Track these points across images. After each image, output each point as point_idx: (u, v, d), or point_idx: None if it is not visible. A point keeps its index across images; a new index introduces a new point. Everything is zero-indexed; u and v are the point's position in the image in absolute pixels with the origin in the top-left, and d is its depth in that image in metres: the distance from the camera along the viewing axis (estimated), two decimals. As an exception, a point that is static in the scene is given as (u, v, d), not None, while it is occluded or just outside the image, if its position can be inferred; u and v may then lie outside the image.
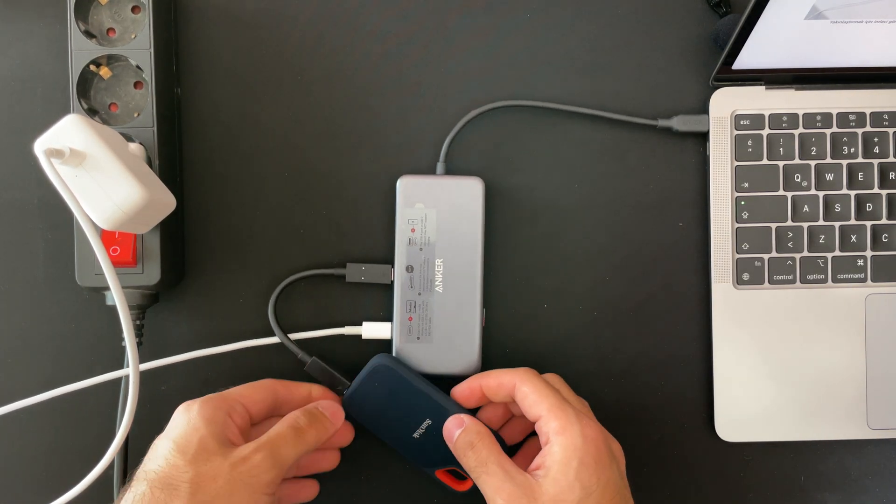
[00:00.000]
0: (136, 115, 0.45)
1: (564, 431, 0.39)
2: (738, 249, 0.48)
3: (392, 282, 0.46)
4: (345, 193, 0.49)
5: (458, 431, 0.42)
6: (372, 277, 0.47)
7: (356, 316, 0.48)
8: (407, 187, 0.46)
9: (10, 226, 0.48)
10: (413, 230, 0.46)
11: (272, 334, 0.46)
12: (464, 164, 0.49)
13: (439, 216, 0.46)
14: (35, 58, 0.48)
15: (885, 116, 0.48)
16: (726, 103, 0.48)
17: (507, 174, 0.49)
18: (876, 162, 0.48)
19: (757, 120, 0.48)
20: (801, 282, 0.48)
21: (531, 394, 0.40)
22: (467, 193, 0.46)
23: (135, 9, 0.46)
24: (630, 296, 0.49)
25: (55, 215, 0.48)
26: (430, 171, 0.48)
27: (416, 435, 0.44)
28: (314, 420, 0.41)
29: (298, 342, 0.46)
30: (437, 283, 0.46)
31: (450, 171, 0.48)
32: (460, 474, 0.45)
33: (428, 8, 0.49)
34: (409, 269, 0.46)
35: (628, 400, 0.49)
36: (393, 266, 0.46)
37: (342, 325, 0.47)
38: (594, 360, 0.49)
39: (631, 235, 0.49)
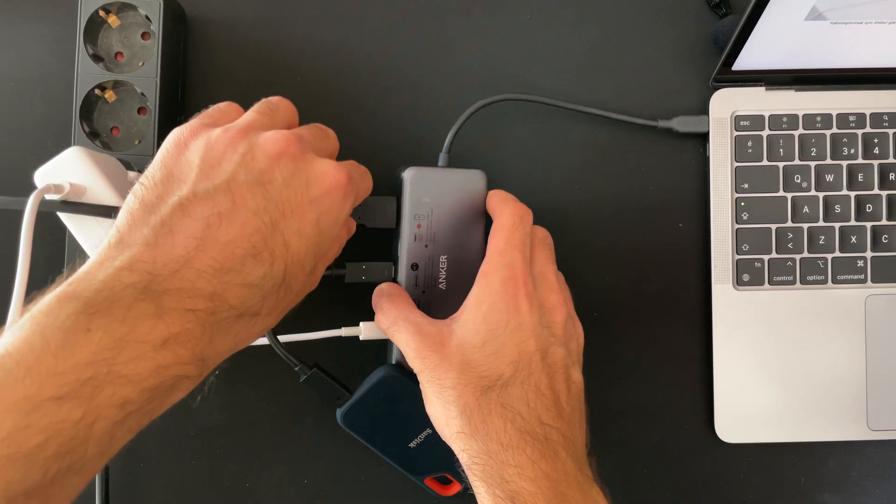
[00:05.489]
0: (137, 142, 0.44)
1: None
2: (738, 250, 0.48)
3: (395, 281, 0.45)
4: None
5: (373, 299, 0.41)
6: (373, 277, 0.44)
7: (355, 317, 0.47)
8: (415, 180, 0.43)
9: (9, 227, 0.48)
10: (419, 226, 0.44)
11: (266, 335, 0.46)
12: (463, 165, 0.48)
13: (444, 211, 0.44)
14: (35, 59, 0.48)
15: (885, 117, 0.48)
16: (726, 104, 0.48)
17: (507, 175, 0.49)
18: (876, 163, 0.48)
19: (757, 121, 0.48)
20: (801, 283, 0.48)
21: (492, 231, 0.40)
22: (471, 186, 0.44)
23: (144, 35, 0.45)
24: (630, 296, 0.49)
25: (55, 217, 0.47)
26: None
27: (412, 444, 0.43)
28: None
29: (295, 345, 0.45)
30: (440, 280, 0.44)
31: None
32: (447, 479, 0.45)
33: (428, 9, 0.49)
34: (415, 266, 0.44)
35: (628, 400, 0.49)
36: (394, 264, 0.45)
37: (340, 327, 0.45)
38: (594, 359, 0.49)
39: (631, 236, 0.49)
